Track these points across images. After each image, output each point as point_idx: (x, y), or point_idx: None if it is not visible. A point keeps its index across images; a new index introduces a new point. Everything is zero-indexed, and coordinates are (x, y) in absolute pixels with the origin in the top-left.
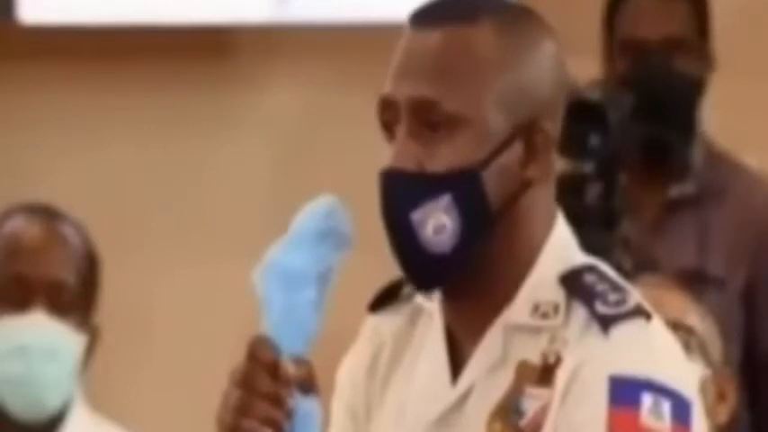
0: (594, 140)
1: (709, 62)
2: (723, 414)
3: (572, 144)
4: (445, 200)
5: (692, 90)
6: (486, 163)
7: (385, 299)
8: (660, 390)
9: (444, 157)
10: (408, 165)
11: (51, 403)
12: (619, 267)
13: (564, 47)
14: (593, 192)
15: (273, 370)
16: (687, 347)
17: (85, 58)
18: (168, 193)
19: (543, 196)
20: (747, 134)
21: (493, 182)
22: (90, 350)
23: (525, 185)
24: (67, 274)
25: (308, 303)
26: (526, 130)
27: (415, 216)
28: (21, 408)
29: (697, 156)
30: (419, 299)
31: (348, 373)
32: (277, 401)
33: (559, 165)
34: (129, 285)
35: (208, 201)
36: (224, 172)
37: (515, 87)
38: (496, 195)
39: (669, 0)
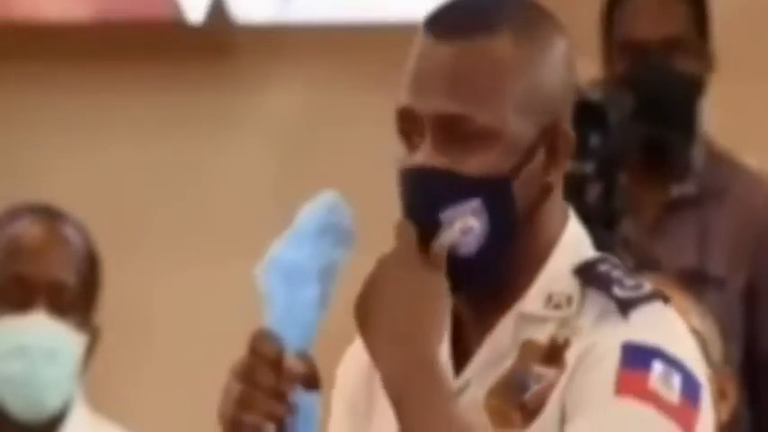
0: (594, 140)
1: (709, 62)
2: (724, 413)
3: None
4: (475, 203)
5: (692, 90)
6: (516, 171)
7: None
8: (672, 362)
9: (476, 164)
10: (447, 166)
11: (51, 403)
12: None
13: None
14: (593, 192)
15: (276, 364)
16: None
17: (86, 58)
18: (169, 193)
19: (558, 196)
20: (747, 134)
21: (521, 189)
22: (90, 350)
23: (546, 191)
24: (68, 274)
25: (310, 299)
26: (549, 134)
27: (445, 215)
28: (21, 408)
29: (697, 156)
30: None
31: (349, 368)
32: (279, 396)
33: None
34: (129, 285)
35: (208, 201)
36: (224, 172)
37: (535, 91)
38: (522, 202)
39: (668, 0)
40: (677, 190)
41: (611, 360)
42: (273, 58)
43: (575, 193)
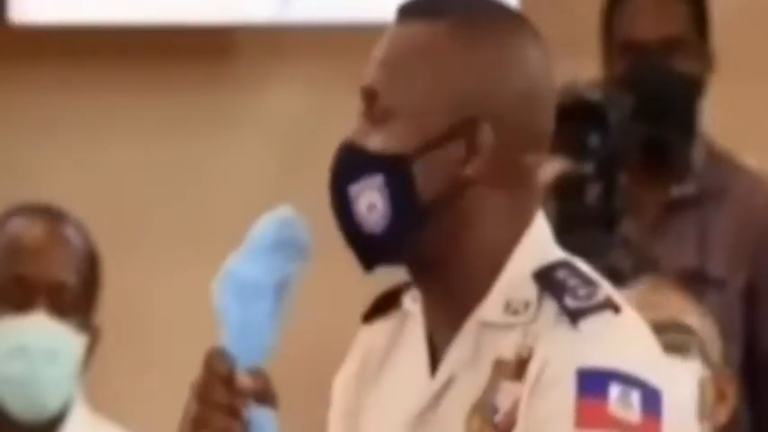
0: (594, 140)
1: (709, 62)
2: (723, 414)
3: (572, 144)
4: (378, 179)
5: (692, 90)
6: (417, 153)
7: (381, 307)
8: (628, 380)
9: (379, 141)
10: (361, 142)
11: (52, 404)
12: (618, 267)
13: (564, 47)
14: (593, 192)
15: (228, 382)
16: (687, 347)
17: (85, 58)
18: (168, 193)
19: (507, 197)
20: (747, 134)
21: (425, 173)
22: (90, 350)
23: (465, 183)
24: (68, 274)
25: (264, 314)
26: (468, 128)
27: (353, 189)
28: (21, 408)
29: (697, 156)
30: (406, 303)
31: (340, 381)
32: (232, 413)
33: (559, 165)
34: (129, 285)
35: (208, 201)
36: (224, 172)
37: (458, 83)
38: (429, 187)
39: (668, 0)
40: (677, 190)
41: (566, 388)
42: (273, 58)
43: (575, 193)
